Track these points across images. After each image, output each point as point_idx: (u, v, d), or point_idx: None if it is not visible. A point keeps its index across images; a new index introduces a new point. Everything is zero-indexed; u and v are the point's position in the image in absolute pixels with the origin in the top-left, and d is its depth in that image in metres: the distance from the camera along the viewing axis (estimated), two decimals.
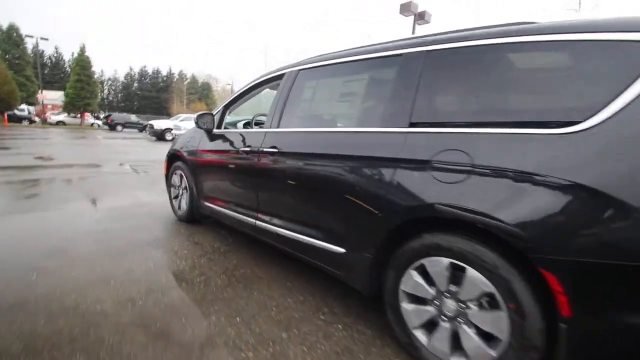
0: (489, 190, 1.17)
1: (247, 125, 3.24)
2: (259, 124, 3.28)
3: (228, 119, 2.91)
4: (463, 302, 1.27)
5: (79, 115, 30.23)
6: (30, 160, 7.12)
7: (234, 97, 2.77)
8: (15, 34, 35.57)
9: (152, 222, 3.22)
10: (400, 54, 1.59)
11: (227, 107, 2.82)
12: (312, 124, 2.03)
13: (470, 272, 1.23)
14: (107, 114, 30.56)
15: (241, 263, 2.39)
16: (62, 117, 30.20)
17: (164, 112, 51.00)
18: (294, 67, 2.19)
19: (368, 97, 1.75)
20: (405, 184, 1.38)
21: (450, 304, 1.31)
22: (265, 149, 2.10)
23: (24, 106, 30.01)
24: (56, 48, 55.66)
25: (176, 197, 3.36)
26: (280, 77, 2.31)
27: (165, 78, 63.58)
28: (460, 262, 1.25)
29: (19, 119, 26.39)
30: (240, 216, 2.41)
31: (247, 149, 2.26)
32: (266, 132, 2.18)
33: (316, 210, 1.81)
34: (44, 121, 28.30)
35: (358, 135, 1.62)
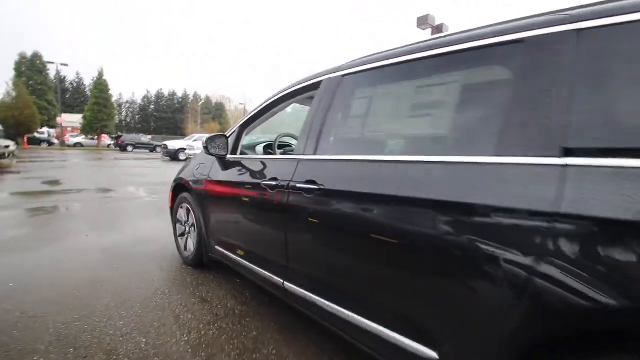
0: None
1: (268, 149, 2.68)
2: (283, 147, 2.72)
3: (245, 140, 2.37)
4: None
5: (96, 137, 30.78)
6: (37, 185, 6.78)
7: (252, 114, 2.22)
8: (39, 62, 37.12)
9: (154, 267, 2.64)
10: (522, 40, 0.99)
11: (244, 128, 2.27)
12: (371, 150, 1.43)
13: None
14: (117, 135, 30.90)
15: (263, 336, 1.76)
16: (80, 139, 30.81)
17: (179, 132, 51.94)
18: (335, 72, 1.62)
19: (464, 108, 1.14)
20: (576, 263, 0.75)
21: None
22: (298, 184, 1.51)
23: (44, 129, 30.86)
24: (77, 74, 58.02)
25: (182, 234, 2.79)
26: (314, 86, 1.75)
27: (180, 99, 65.15)
28: None
29: (38, 142, 26.93)
30: (262, 271, 1.81)
31: (272, 182, 1.68)
32: (299, 160, 1.60)
33: (386, 283, 1.19)
34: (62, 143, 28.84)
35: (458, 168, 1.01)
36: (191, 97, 64.48)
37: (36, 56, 37.35)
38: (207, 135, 2.28)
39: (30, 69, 36.59)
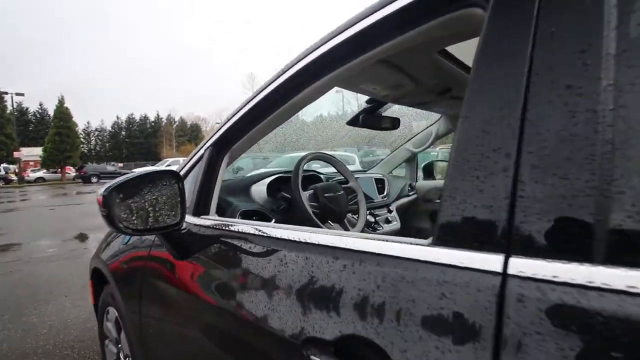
0: None
1: (279, 190, 1.34)
2: (312, 178, 1.38)
3: (230, 172, 1.06)
4: None
5: (59, 169, 28.33)
6: None
7: (240, 115, 0.91)
8: None
9: None
10: None
11: (223, 146, 0.96)
12: None
13: None
14: (79, 165, 28.64)
15: None
16: (42, 173, 28.22)
17: (153, 157, 49.58)
18: None
19: None
20: None
21: None
22: None
23: (1, 165, 28.12)
24: (40, 104, 54.56)
25: None
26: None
27: (153, 123, 62.62)
28: None
29: None
30: None
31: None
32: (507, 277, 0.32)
33: None
34: (21, 180, 26.16)
35: None
36: (164, 120, 62.14)
37: None
38: (143, 169, 0.92)
39: None
